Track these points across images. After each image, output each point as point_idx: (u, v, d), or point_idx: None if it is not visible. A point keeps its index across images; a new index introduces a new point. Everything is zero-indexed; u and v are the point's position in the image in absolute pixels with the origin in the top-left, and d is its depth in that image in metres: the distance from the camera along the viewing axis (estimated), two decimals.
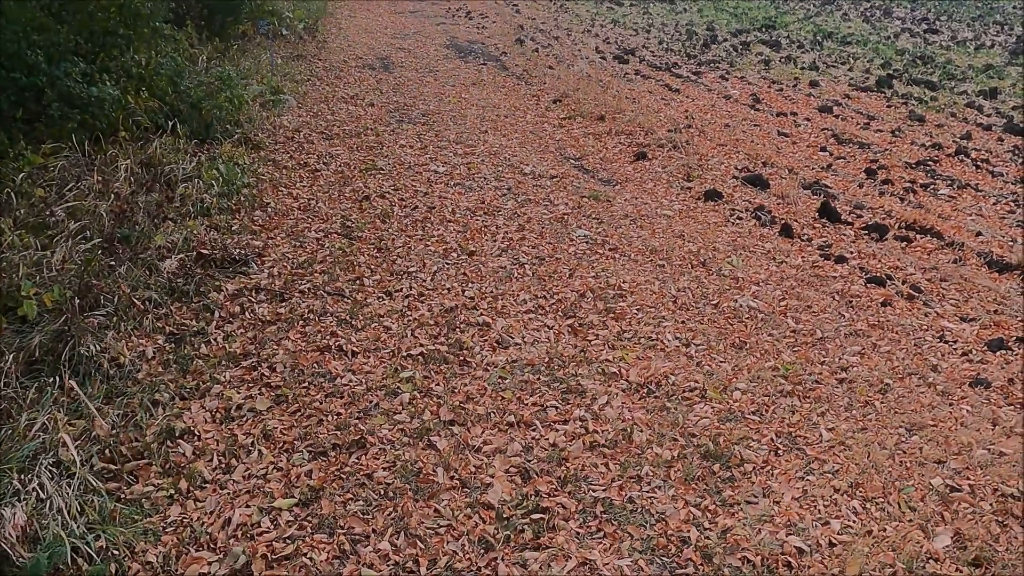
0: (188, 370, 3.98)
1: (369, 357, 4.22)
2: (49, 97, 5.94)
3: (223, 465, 3.34)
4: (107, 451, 3.30)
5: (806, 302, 5.09)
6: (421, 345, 4.34)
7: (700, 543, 3.01)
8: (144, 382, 3.82)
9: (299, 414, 3.71)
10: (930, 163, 8.19)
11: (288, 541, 2.94)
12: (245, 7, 11.69)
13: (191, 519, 3.02)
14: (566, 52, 14.62)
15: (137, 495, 3.11)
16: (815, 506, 3.22)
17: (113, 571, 2.74)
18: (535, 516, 3.11)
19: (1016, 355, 4.48)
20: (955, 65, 13.69)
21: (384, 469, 3.36)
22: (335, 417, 3.70)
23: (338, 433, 3.57)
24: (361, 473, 3.33)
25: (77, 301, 4.07)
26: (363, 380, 4.01)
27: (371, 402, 3.83)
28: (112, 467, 3.24)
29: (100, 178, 5.59)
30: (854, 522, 3.14)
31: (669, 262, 5.62)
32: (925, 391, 4.10)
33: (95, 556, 2.76)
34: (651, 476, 3.38)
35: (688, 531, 3.07)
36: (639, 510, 3.18)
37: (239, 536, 2.96)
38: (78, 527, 2.82)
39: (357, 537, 2.99)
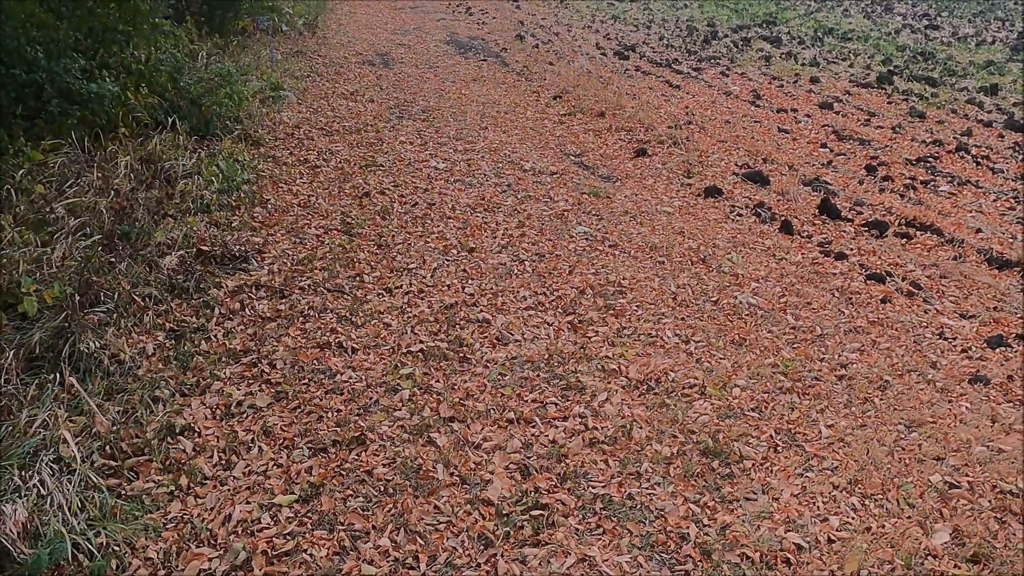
0: (188, 367, 3.99)
1: (369, 354, 4.23)
2: (49, 93, 5.94)
3: (223, 461, 3.35)
4: (107, 447, 3.31)
5: (806, 299, 5.09)
6: (421, 342, 4.34)
7: (699, 539, 3.01)
8: (144, 379, 3.82)
9: (299, 410, 3.72)
10: (930, 160, 8.19)
11: (288, 537, 2.95)
12: (245, 3, 11.68)
13: (191, 515, 3.02)
14: (566, 48, 14.61)
15: (137, 491, 3.12)
16: (814, 503, 3.23)
17: (114, 567, 2.75)
18: (535, 512, 3.11)
19: (1016, 352, 4.48)
20: (956, 61, 13.68)
21: (384, 465, 3.37)
22: (335, 414, 3.70)
23: (338, 429, 3.57)
24: (361, 469, 3.33)
25: (77, 298, 4.07)
26: (363, 377, 4.01)
27: (371, 399, 3.84)
28: (112, 463, 3.24)
29: (100, 175, 5.58)
30: (853, 519, 3.14)
31: (669, 259, 5.62)
32: (924, 388, 4.11)
33: (96, 552, 2.76)
34: (650, 472, 3.38)
35: (687, 527, 3.07)
36: (638, 506, 3.19)
37: (239, 532, 2.96)
38: (79, 523, 2.83)
39: (357, 533, 2.99)
